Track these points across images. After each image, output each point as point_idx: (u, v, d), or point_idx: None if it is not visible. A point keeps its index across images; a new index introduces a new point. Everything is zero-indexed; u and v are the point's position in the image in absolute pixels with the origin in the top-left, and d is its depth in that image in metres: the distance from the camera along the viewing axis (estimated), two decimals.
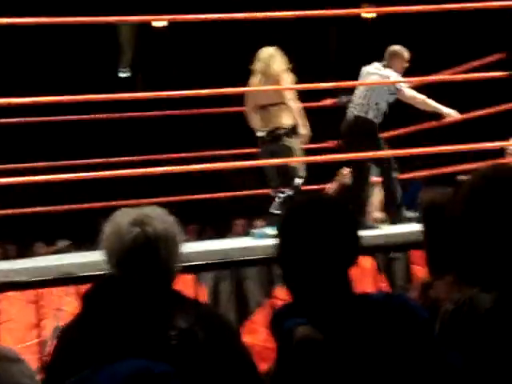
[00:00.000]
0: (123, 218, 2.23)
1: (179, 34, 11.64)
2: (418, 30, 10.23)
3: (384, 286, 4.28)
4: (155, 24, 10.32)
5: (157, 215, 2.25)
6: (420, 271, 4.04)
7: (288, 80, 5.88)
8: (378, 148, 6.18)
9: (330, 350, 1.83)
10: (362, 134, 6.24)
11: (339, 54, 12.07)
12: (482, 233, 1.75)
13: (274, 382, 1.94)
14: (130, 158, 7.41)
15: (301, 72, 6.21)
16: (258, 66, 6.00)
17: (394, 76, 6.27)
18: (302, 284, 1.93)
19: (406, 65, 6.44)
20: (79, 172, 5.21)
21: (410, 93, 6.32)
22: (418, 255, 4.20)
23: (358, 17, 9.23)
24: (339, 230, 1.93)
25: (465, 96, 8.08)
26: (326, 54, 12.23)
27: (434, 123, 6.96)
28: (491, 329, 1.72)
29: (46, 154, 7.68)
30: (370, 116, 6.27)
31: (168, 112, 7.90)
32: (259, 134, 5.98)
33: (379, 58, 6.46)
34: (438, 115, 6.45)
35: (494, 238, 1.74)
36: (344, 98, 6.77)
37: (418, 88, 6.52)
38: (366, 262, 4.25)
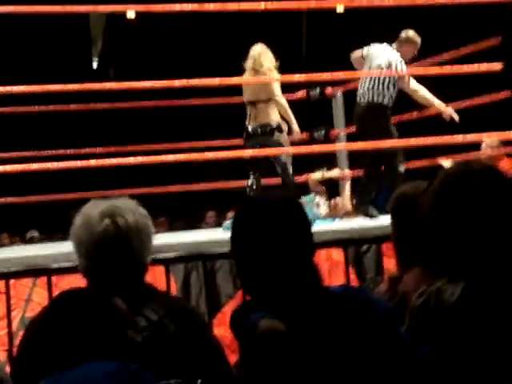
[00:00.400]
0: (94, 209, 2.22)
1: (152, 25, 11.58)
2: (384, 24, 10.26)
3: (353, 278, 4.30)
4: (128, 15, 10.25)
5: (127, 207, 2.24)
6: (391, 264, 4.06)
7: (276, 77, 5.99)
8: (390, 136, 6.13)
9: (293, 341, 1.84)
10: (376, 120, 6.18)
11: (311, 47, 12.08)
12: (450, 227, 1.77)
13: (242, 378, 1.94)
14: (102, 149, 7.38)
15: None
16: (248, 62, 6.09)
17: (398, 62, 6.22)
18: (259, 280, 1.93)
19: (416, 52, 6.39)
20: (49, 162, 5.17)
21: (413, 84, 6.29)
22: (389, 248, 4.21)
23: (331, 10, 9.23)
24: (290, 226, 1.94)
25: (453, 85, 8.09)
26: (299, 47, 12.24)
27: (416, 114, 6.99)
28: (459, 321, 1.74)
29: (15, 145, 7.61)
30: (385, 101, 6.23)
31: (140, 103, 7.87)
32: (249, 128, 6.04)
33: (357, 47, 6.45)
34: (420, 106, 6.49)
35: (461, 232, 1.76)
36: (315, 91, 6.76)
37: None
38: (337, 255, 4.27)
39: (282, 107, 6.08)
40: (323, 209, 6.83)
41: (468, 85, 6.91)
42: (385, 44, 6.40)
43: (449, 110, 6.29)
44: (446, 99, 6.49)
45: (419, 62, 6.74)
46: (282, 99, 6.08)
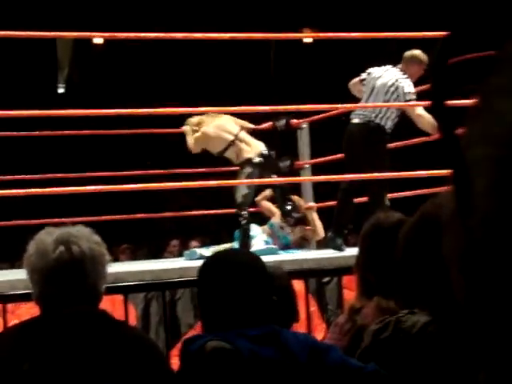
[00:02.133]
0: (48, 236, 2.20)
1: (118, 52, 11.59)
2: (352, 56, 10.38)
3: (314, 309, 4.28)
4: (95, 41, 10.27)
5: (82, 234, 2.22)
6: (352, 297, 4.05)
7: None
8: (383, 165, 5.76)
9: (242, 361, 1.95)
10: (373, 143, 5.81)
11: (279, 77, 12.15)
12: (423, 264, 1.76)
13: None
14: (65, 175, 7.31)
15: (242, 94, 6.25)
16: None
17: (406, 85, 5.90)
18: (220, 316, 2.11)
19: (423, 71, 5.98)
20: (11, 189, 5.11)
21: (419, 110, 5.83)
22: (350, 281, 4.21)
23: (298, 41, 9.31)
24: (252, 286, 2.13)
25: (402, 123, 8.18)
26: (268, 76, 12.31)
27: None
28: (416, 351, 1.73)
29: None
30: (387, 125, 5.85)
31: (104, 131, 7.84)
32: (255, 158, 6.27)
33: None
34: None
35: (432, 270, 1.76)
36: (281, 122, 6.76)
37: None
38: (298, 286, 4.25)
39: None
40: (287, 230, 6.83)
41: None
42: (387, 66, 6.07)
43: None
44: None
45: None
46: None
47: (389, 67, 6.07)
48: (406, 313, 1.80)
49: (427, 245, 1.75)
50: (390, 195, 6.09)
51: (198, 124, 6.40)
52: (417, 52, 6.03)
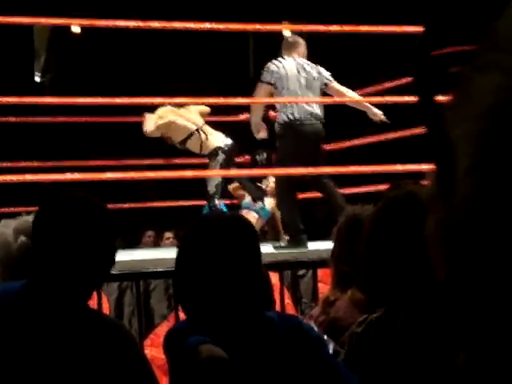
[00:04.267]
0: (6, 228, 2.17)
1: (96, 41, 11.51)
2: (331, 49, 10.37)
3: (288, 303, 4.28)
4: (73, 30, 10.18)
5: None
6: (325, 289, 4.06)
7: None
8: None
9: (235, 370, 1.82)
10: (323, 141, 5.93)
11: (258, 70, 12.13)
12: (387, 255, 1.75)
13: None
14: (39, 163, 7.26)
15: (220, 86, 6.25)
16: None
17: (322, 69, 5.92)
18: (200, 299, 1.89)
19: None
20: None
21: (340, 86, 5.90)
22: (325, 274, 4.21)
23: (277, 36, 9.29)
24: (238, 245, 1.91)
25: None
26: (246, 69, 12.28)
27: (345, 143, 7.03)
28: (398, 351, 1.73)
29: None
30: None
31: (81, 118, 7.79)
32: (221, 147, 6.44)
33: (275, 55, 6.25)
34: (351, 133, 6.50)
35: (398, 260, 1.74)
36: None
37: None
38: (273, 278, 4.24)
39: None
40: (268, 202, 6.96)
41: (394, 117, 6.94)
42: (289, 59, 5.88)
43: (376, 111, 5.98)
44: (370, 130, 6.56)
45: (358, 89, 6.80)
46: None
47: (292, 60, 5.88)
48: (384, 311, 1.80)
49: (390, 234, 1.75)
50: (364, 189, 6.13)
51: (165, 113, 6.45)
52: (294, 37, 6.05)
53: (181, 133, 6.50)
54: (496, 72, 0.45)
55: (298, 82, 5.75)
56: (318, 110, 5.79)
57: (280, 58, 5.91)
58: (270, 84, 5.77)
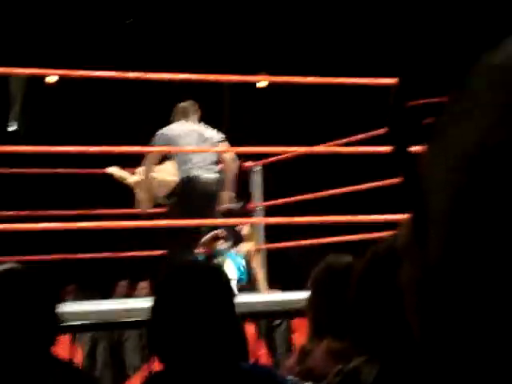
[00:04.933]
0: None
1: (71, 90, 11.54)
2: (308, 100, 10.49)
3: (264, 352, 4.25)
4: (48, 79, 10.22)
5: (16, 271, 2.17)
6: (300, 339, 4.04)
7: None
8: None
9: None
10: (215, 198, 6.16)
11: (233, 120, 12.21)
12: (375, 306, 1.75)
13: None
14: (12, 213, 7.22)
15: None
16: None
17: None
18: (174, 351, 1.86)
19: None
20: None
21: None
22: (299, 323, 4.19)
23: (252, 84, 9.37)
24: (212, 296, 1.89)
25: (348, 168, 8.25)
26: (220, 119, 12.36)
27: (312, 195, 7.04)
28: None
29: None
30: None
31: (56, 170, 7.76)
32: None
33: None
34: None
35: (385, 312, 1.74)
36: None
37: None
38: (248, 328, 4.21)
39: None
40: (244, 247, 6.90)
41: (367, 167, 7.00)
42: (188, 124, 6.24)
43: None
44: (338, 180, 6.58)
45: (321, 143, 6.86)
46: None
47: (190, 124, 6.21)
48: (361, 361, 1.79)
49: (379, 285, 1.75)
50: (338, 238, 6.15)
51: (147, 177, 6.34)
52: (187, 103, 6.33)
53: (167, 188, 6.41)
54: (470, 122, 0.46)
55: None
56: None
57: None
58: None
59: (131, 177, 6.56)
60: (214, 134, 6.24)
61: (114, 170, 6.73)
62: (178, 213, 5.90)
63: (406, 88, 0.51)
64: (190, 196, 5.97)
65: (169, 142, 6.00)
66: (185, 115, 6.23)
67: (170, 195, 6.17)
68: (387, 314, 1.72)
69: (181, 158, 6.06)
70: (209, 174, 6.07)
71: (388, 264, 1.76)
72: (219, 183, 6.17)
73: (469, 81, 0.47)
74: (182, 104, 6.34)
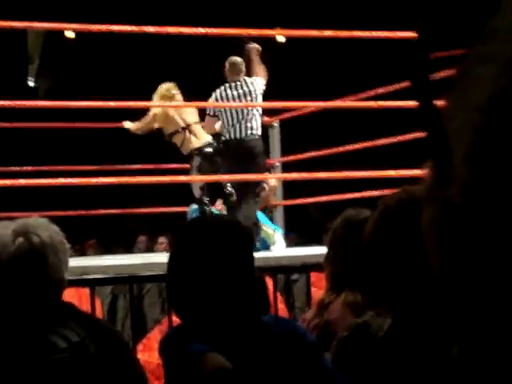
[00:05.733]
0: (4, 229, 2.16)
1: (89, 45, 11.51)
2: (327, 55, 10.40)
3: (282, 307, 4.28)
4: (66, 34, 10.18)
5: (40, 224, 2.19)
6: (319, 293, 4.06)
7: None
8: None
9: (239, 379, 1.79)
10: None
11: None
12: (386, 257, 1.76)
13: None
14: (32, 168, 7.26)
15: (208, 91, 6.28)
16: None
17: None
18: (195, 304, 1.86)
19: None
20: None
21: None
22: (318, 278, 4.21)
23: (270, 39, 9.30)
24: (232, 250, 1.89)
25: (371, 123, 8.20)
26: None
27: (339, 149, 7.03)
28: (384, 355, 1.72)
29: None
30: None
31: (76, 124, 7.79)
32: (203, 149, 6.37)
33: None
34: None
35: (395, 262, 1.75)
36: None
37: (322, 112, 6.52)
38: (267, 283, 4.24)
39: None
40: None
41: (389, 122, 6.96)
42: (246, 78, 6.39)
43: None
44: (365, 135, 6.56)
45: (339, 98, 6.84)
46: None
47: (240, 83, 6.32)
48: (373, 315, 1.80)
49: (390, 238, 1.75)
50: (359, 194, 6.15)
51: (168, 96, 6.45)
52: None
53: (170, 126, 6.52)
54: (493, 63, 0.46)
55: None
56: None
57: None
58: None
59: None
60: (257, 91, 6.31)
61: (129, 125, 6.75)
62: (225, 168, 6.07)
63: (426, 41, 0.51)
64: (236, 153, 6.06)
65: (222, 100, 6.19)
66: (237, 72, 6.32)
67: (216, 152, 6.28)
68: (399, 265, 1.73)
69: (228, 117, 6.16)
70: (254, 133, 6.17)
71: (399, 216, 1.77)
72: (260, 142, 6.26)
73: (492, 23, 0.47)
74: (234, 60, 6.40)
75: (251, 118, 6.15)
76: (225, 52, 6.55)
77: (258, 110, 6.25)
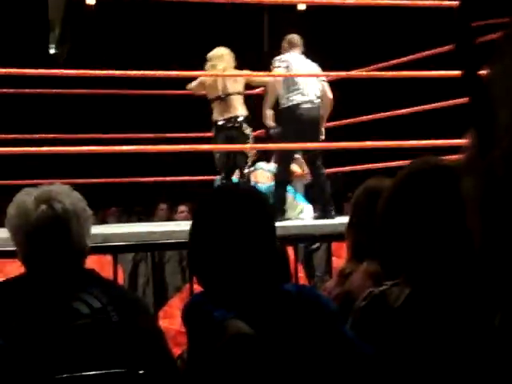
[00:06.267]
0: (28, 196, 2.18)
1: (110, 12, 11.50)
2: (350, 22, 10.33)
3: (302, 276, 4.29)
4: (88, 1, 10.18)
5: (62, 191, 2.20)
6: (339, 263, 4.06)
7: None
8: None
9: (261, 345, 1.80)
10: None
11: (272, 45, 12.08)
12: (402, 227, 1.75)
13: (189, 371, 1.90)
14: (54, 135, 7.28)
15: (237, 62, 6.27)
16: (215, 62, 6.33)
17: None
18: (216, 272, 1.88)
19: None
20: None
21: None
22: (338, 248, 4.21)
23: (292, 7, 9.25)
24: (253, 219, 1.89)
25: (411, 89, 8.13)
26: (260, 44, 12.24)
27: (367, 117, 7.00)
28: (401, 326, 1.72)
29: None
30: None
31: (98, 91, 7.79)
32: (219, 122, 6.28)
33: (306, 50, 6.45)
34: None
35: (412, 233, 1.74)
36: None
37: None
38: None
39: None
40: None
41: (424, 89, 6.92)
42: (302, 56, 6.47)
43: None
44: (403, 103, 6.52)
45: (375, 64, 6.77)
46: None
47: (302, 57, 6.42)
48: (390, 284, 1.80)
49: (406, 207, 1.75)
50: (383, 164, 6.15)
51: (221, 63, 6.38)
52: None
53: (210, 93, 6.46)
54: None
55: None
56: None
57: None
58: None
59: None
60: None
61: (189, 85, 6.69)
62: (282, 137, 6.16)
63: (468, 10, 0.51)
64: (295, 122, 6.12)
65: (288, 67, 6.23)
66: (295, 46, 6.42)
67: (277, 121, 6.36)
68: (417, 235, 1.72)
69: (290, 85, 6.22)
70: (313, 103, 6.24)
71: (418, 185, 1.76)
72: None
73: None
74: (294, 36, 6.50)
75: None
76: (245, 21, 6.51)
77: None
